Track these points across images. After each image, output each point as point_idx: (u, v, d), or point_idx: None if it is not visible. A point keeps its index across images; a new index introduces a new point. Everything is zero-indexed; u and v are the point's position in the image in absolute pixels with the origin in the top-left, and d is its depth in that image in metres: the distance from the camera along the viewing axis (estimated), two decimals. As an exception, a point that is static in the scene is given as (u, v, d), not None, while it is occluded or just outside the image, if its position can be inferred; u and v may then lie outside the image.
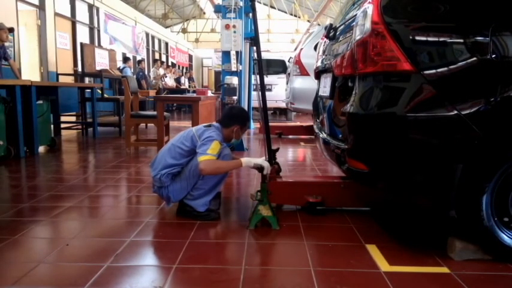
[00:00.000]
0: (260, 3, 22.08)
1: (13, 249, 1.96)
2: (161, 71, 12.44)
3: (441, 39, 1.76)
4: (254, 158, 2.45)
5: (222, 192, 2.90)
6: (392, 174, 1.88)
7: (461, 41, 1.72)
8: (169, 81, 12.91)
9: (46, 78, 8.72)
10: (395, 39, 1.75)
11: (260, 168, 2.40)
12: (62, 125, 6.66)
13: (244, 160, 2.37)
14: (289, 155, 4.99)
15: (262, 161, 2.40)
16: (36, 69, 8.79)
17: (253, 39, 3.00)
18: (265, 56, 8.78)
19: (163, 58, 18.53)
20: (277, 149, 2.67)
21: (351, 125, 1.94)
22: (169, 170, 2.40)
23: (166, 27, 21.38)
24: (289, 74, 7.78)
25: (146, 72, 11.85)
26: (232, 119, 2.51)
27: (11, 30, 6.28)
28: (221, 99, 5.30)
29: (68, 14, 10.21)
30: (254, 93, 6.93)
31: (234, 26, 4.87)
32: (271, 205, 2.30)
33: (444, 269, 1.79)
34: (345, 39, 2.20)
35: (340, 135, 2.19)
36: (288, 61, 9.29)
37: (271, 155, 2.66)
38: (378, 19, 1.79)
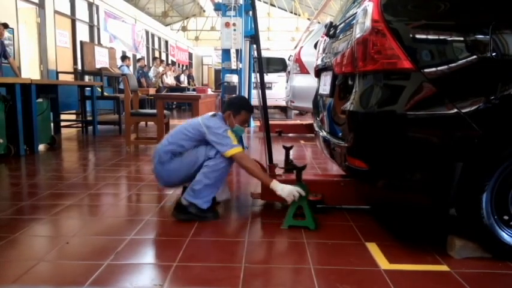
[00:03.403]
0: (260, 1, 22.06)
1: (13, 247, 1.96)
2: (161, 69, 12.44)
3: (441, 37, 1.76)
4: (283, 186, 2.24)
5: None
6: (392, 172, 1.88)
7: (462, 39, 1.72)
8: (169, 80, 12.90)
9: (46, 77, 8.72)
10: (395, 37, 1.75)
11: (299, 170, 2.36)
12: (62, 123, 6.66)
13: (274, 184, 2.25)
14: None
15: (286, 194, 2.22)
16: (36, 67, 8.78)
17: (253, 37, 3.00)
18: (265, 54, 8.77)
19: (163, 56, 18.51)
20: (291, 147, 2.65)
21: (351, 123, 1.94)
22: (169, 147, 2.38)
23: (166, 25, 21.36)
24: (289, 72, 7.77)
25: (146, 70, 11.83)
26: (227, 104, 2.49)
27: (6, 26, 6.28)
28: (221, 97, 5.30)
29: (68, 12, 10.20)
30: (254, 92, 6.93)
31: (234, 24, 4.87)
32: (296, 206, 2.25)
33: (444, 267, 1.79)
34: (345, 37, 2.20)
35: (340, 134, 2.19)
36: (288, 59, 9.28)
37: (271, 153, 2.66)
38: (378, 17, 1.78)
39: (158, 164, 2.40)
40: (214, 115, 2.44)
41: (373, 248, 1.98)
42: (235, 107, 2.46)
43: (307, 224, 2.23)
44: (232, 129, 2.41)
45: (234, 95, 2.83)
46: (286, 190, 2.22)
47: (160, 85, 11.80)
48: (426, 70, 1.73)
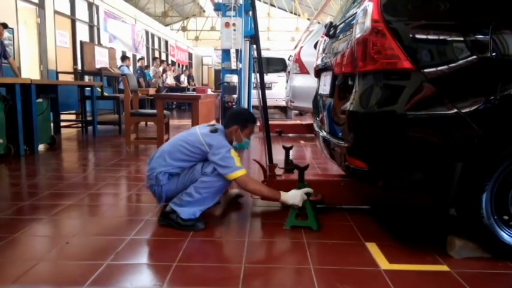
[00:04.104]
0: (260, 1, 22.05)
1: (13, 248, 1.96)
2: (160, 69, 12.44)
3: (441, 37, 1.76)
4: (292, 194, 2.25)
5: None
6: (392, 172, 1.88)
7: (461, 39, 1.72)
8: (169, 80, 12.90)
9: (46, 77, 8.72)
10: (395, 37, 1.75)
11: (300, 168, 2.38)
12: (62, 123, 6.65)
13: (284, 197, 2.23)
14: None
15: (299, 200, 2.23)
16: (36, 67, 8.78)
17: (253, 38, 2.99)
18: (265, 54, 8.77)
19: (163, 56, 18.51)
20: (291, 147, 2.65)
21: (351, 123, 1.94)
22: (167, 169, 2.29)
23: (166, 25, 21.35)
24: (289, 72, 7.77)
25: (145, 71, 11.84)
26: (231, 119, 2.40)
27: (5, 26, 6.27)
28: (221, 97, 5.29)
29: (68, 12, 10.20)
30: (254, 92, 6.93)
31: (233, 24, 4.87)
32: (299, 207, 2.25)
33: (444, 267, 1.79)
34: (345, 37, 2.20)
35: (340, 134, 2.19)
36: (288, 59, 9.27)
37: (271, 153, 2.66)
38: (378, 17, 1.78)
39: (157, 186, 2.32)
40: (215, 130, 2.31)
41: (373, 248, 1.98)
42: (242, 121, 2.38)
43: (310, 224, 2.23)
44: (239, 145, 2.38)
45: (235, 108, 2.73)
46: (297, 197, 2.22)
47: (161, 85, 11.81)
48: (426, 70, 1.73)
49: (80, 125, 7.01)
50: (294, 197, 2.23)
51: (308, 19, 20.29)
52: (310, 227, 2.22)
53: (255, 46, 2.77)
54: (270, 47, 18.26)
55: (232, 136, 2.37)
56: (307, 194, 2.25)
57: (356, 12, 2.00)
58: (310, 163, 4.29)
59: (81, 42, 8.55)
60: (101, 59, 8.78)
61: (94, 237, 2.11)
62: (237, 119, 2.40)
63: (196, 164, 2.30)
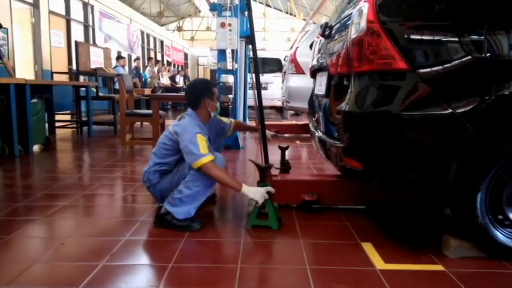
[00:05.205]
0: (256, 1, 22.05)
1: (8, 249, 1.94)
2: (156, 69, 12.42)
3: (436, 38, 1.77)
4: (254, 190, 2.24)
5: (218, 191, 2.90)
6: (387, 172, 1.88)
7: (456, 39, 1.73)
8: (164, 80, 12.88)
9: (40, 77, 8.67)
10: (390, 37, 1.76)
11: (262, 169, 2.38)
12: (57, 124, 6.62)
13: (245, 190, 2.20)
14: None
15: (259, 197, 2.20)
16: (31, 67, 8.73)
17: (249, 38, 2.99)
18: (260, 54, 8.76)
19: (159, 56, 18.46)
20: (287, 147, 2.64)
21: (346, 124, 1.95)
22: (156, 167, 2.35)
23: (162, 25, 21.31)
24: (284, 72, 7.78)
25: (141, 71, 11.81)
26: (195, 98, 2.39)
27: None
28: (217, 97, 5.28)
29: (63, 12, 10.15)
30: (250, 92, 6.92)
31: (229, 25, 4.86)
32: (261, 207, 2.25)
33: (439, 267, 1.79)
34: (341, 37, 2.20)
35: (336, 134, 2.19)
36: (284, 60, 9.28)
37: (267, 154, 2.66)
38: (373, 18, 1.79)
39: (151, 187, 2.39)
40: (182, 117, 2.37)
41: (369, 248, 1.98)
42: (206, 92, 2.39)
43: (270, 224, 2.22)
44: (215, 112, 2.43)
45: (187, 87, 2.62)
46: (258, 194, 2.21)
47: (156, 85, 11.78)
48: (421, 70, 1.73)
49: (74, 125, 6.97)
50: (255, 192, 2.22)
51: (304, 19, 20.33)
52: (270, 227, 2.22)
53: (250, 46, 2.77)
54: (266, 47, 18.26)
55: (208, 109, 2.39)
56: (269, 193, 2.24)
57: (351, 13, 2.00)
58: (305, 163, 4.30)
59: (76, 42, 8.50)
60: (96, 59, 8.73)
61: (89, 238, 2.10)
62: (200, 94, 2.38)
63: (183, 163, 2.30)
